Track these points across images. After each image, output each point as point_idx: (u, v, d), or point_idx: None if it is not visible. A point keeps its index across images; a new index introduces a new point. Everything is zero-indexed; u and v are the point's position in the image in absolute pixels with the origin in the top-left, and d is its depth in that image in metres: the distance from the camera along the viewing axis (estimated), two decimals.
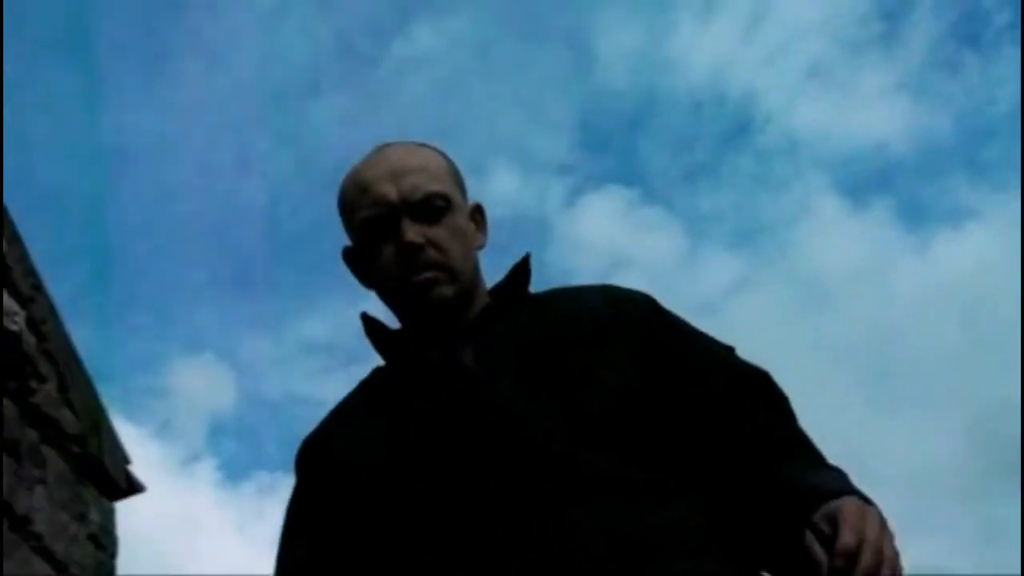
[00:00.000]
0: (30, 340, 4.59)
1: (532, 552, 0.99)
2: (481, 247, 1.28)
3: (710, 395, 1.14)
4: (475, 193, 1.32)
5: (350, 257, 1.29)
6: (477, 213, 1.30)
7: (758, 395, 1.16)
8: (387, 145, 1.27)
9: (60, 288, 5.03)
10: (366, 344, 1.27)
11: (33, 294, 4.74)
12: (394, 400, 1.18)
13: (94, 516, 4.95)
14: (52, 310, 4.92)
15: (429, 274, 1.18)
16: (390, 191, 1.20)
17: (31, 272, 4.78)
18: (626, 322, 1.18)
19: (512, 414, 1.08)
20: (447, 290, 1.18)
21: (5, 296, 4.44)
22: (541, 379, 1.11)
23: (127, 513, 5.37)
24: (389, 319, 1.27)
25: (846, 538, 0.96)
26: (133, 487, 5.34)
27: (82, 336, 4.98)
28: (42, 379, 4.64)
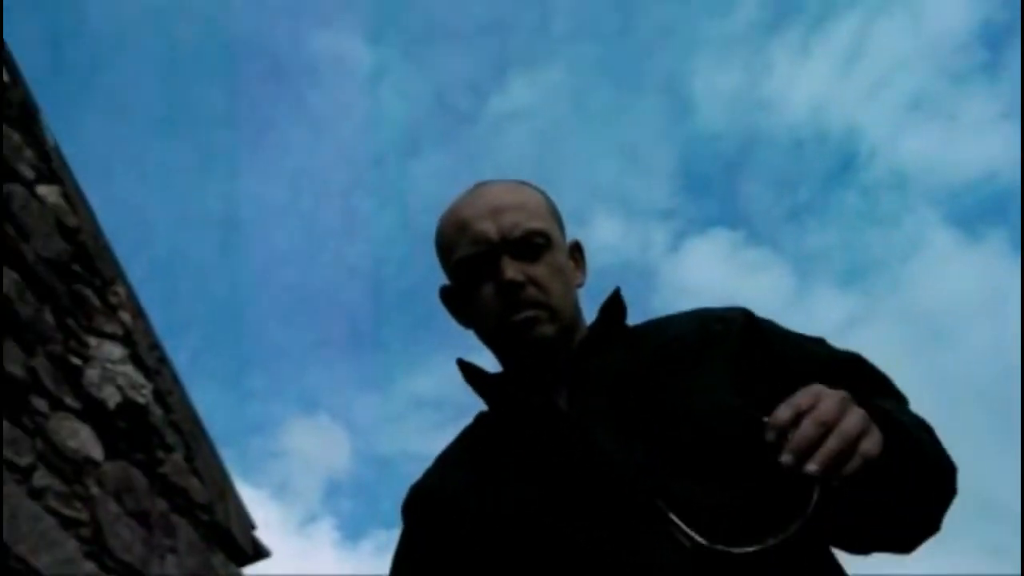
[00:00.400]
0: (156, 412, 4.73)
1: None
2: (580, 285, 1.26)
3: (804, 382, 1.03)
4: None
5: (448, 296, 1.28)
6: (576, 251, 1.28)
7: (854, 374, 1.10)
8: (485, 183, 1.26)
9: (177, 355, 5.18)
10: (474, 399, 1.25)
11: (158, 367, 4.89)
12: (494, 445, 1.16)
13: None
14: (176, 380, 5.06)
15: (530, 313, 1.16)
16: (489, 228, 1.18)
17: (155, 345, 4.94)
18: (717, 340, 1.13)
19: (603, 455, 1.03)
20: (548, 329, 1.16)
21: (132, 369, 4.59)
22: (634, 414, 1.06)
23: None
24: (487, 358, 1.26)
25: (779, 413, 0.91)
26: (259, 552, 5.42)
27: (199, 401, 5.11)
28: (169, 449, 4.76)
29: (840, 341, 1.17)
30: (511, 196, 1.22)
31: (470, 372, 1.24)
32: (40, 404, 3.86)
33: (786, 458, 0.89)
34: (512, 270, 1.16)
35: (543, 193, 1.28)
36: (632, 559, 0.96)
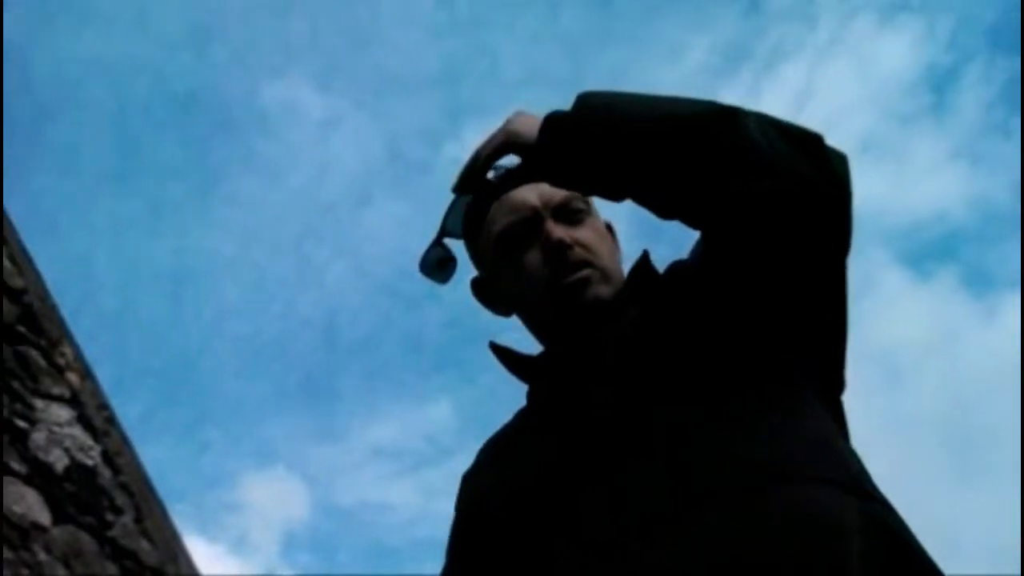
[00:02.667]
0: (105, 473, 4.65)
1: (663, 557, 0.90)
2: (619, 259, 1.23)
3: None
4: None
5: (480, 287, 1.25)
6: (609, 230, 1.25)
7: None
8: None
9: (128, 411, 5.12)
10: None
11: (107, 427, 4.82)
12: (535, 426, 1.13)
13: None
14: (126, 440, 4.99)
15: (582, 273, 1.12)
16: (530, 195, 1.16)
17: (104, 405, 4.87)
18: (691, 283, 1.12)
19: (630, 424, 1.00)
20: (603, 289, 1.13)
21: (80, 431, 4.52)
22: (653, 378, 1.04)
23: None
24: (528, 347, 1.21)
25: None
26: None
27: (153, 456, 5.05)
28: (119, 511, 4.68)
29: None
30: None
31: (506, 356, 1.19)
32: None
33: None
34: (559, 231, 1.13)
35: None
36: (664, 517, 0.92)
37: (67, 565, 4.10)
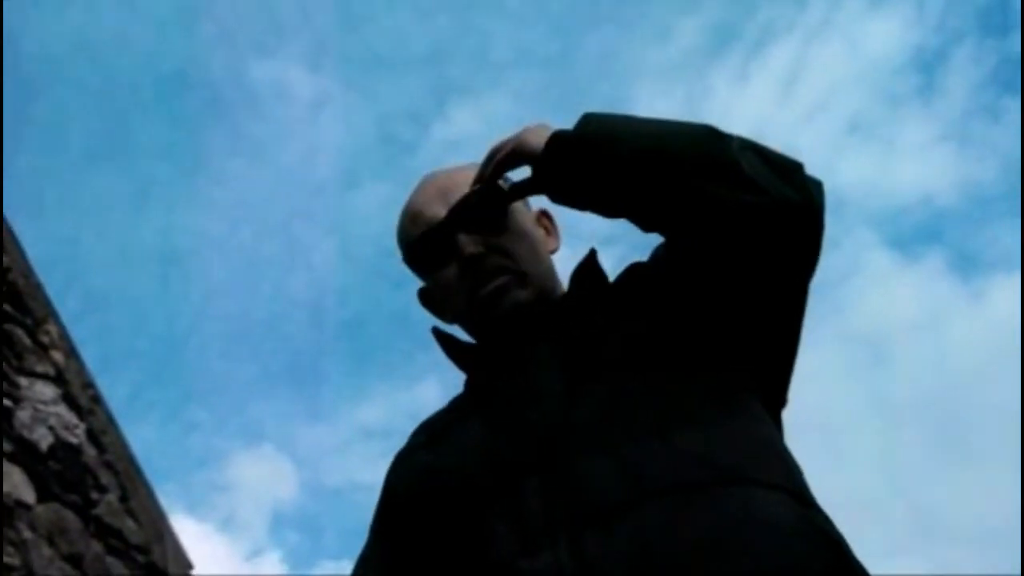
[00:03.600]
0: (90, 452, 4.65)
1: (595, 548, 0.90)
2: (554, 251, 1.23)
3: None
4: None
5: (426, 297, 1.24)
6: (544, 218, 1.25)
7: None
8: (431, 172, 1.24)
9: (116, 391, 5.12)
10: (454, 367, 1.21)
11: (92, 406, 4.81)
12: (475, 413, 1.12)
13: None
14: (111, 419, 4.98)
15: (498, 281, 1.12)
16: (440, 211, 1.16)
17: (89, 384, 4.86)
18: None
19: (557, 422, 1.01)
20: (520, 294, 1.13)
21: (65, 409, 4.51)
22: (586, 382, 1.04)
23: None
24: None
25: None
26: None
27: (141, 436, 5.05)
28: (104, 490, 4.68)
29: None
30: (459, 176, 1.20)
31: (446, 342, 1.20)
32: None
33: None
34: (469, 244, 1.12)
35: None
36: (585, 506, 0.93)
37: (51, 543, 4.10)
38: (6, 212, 4.58)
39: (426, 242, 1.16)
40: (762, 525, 0.89)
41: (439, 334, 1.21)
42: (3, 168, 4.51)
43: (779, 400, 1.14)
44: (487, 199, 1.15)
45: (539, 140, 1.08)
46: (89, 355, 4.90)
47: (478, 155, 1.20)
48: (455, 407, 1.19)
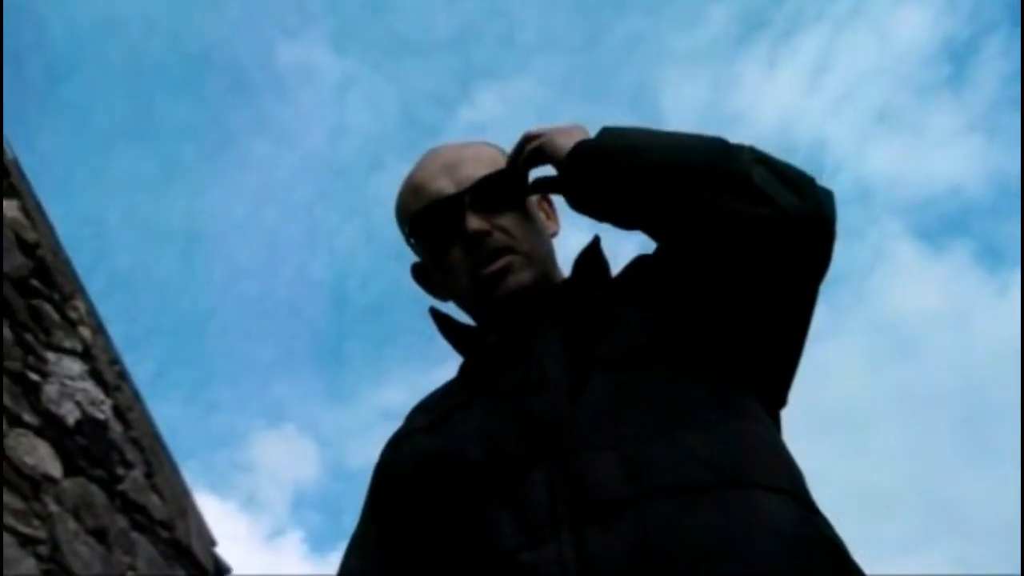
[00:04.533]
0: (116, 428, 4.69)
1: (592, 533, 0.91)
2: (555, 235, 1.22)
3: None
4: None
5: (420, 273, 1.23)
6: (544, 202, 1.24)
7: None
8: (436, 147, 1.22)
9: (140, 369, 5.16)
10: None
11: (118, 382, 4.85)
12: (476, 399, 1.11)
13: None
14: (137, 396, 5.02)
15: (502, 261, 1.12)
16: (445, 185, 1.15)
17: (115, 360, 4.90)
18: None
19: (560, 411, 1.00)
20: (524, 275, 1.12)
21: (91, 385, 4.55)
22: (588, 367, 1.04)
23: None
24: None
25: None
26: (220, 569, 5.38)
27: (165, 414, 5.09)
28: (129, 466, 4.72)
29: (808, 354, 1.20)
30: (465, 151, 1.19)
31: (444, 323, 1.19)
32: None
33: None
34: (476, 221, 1.11)
35: (498, 147, 1.23)
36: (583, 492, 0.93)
37: (77, 517, 4.15)
38: (36, 190, 4.62)
39: (432, 215, 1.14)
40: (765, 529, 0.90)
41: (436, 314, 1.20)
42: (3, 123, 4.54)
43: (779, 401, 1.15)
44: (509, 184, 1.14)
45: (567, 144, 1.10)
46: (114, 333, 4.95)
47: (503, 139, 1.19)
48: (452, 390, 1.17)
